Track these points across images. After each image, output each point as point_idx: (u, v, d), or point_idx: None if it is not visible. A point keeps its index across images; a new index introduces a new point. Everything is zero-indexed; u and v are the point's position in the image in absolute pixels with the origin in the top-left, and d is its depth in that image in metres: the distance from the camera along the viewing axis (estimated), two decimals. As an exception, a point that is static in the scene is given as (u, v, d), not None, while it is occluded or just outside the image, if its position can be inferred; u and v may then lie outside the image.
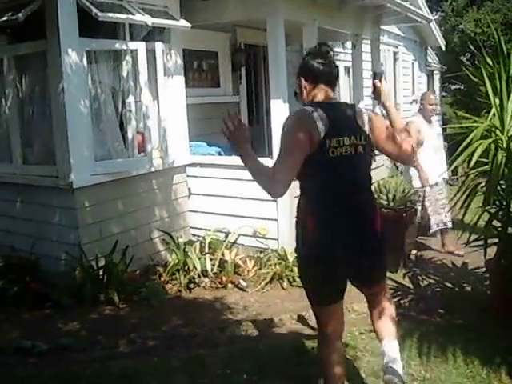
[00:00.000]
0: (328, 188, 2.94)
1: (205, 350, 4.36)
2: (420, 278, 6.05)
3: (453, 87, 22.39)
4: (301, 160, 2.84)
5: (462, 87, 17.48)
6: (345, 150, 2.90)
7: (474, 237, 5.02)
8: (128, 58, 5.93)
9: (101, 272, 5.41)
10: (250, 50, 8.73)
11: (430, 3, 19.14)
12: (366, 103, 8.54)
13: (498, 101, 4.77)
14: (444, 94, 22.39)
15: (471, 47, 5.01)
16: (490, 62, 4.91)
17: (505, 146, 4.57)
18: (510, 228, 4.90)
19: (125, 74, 5.95)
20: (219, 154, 7.02)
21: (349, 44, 9.22)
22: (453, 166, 4.79)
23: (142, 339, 4.54)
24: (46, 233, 5.78)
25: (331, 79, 3.07)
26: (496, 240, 5.02)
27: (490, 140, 4.58)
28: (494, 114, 4.84)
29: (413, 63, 15.75)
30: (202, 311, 5.17)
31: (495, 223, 4.96)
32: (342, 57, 11.00)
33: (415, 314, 5.10)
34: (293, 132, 2.89)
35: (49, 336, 4.61)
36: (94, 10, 5.34)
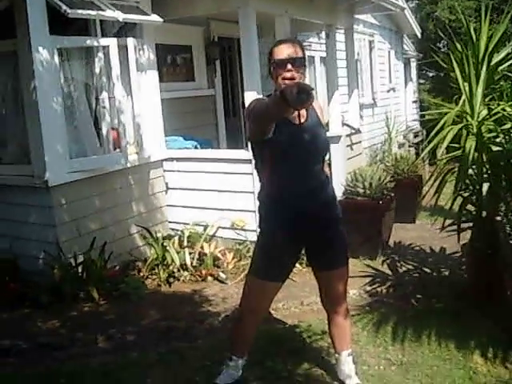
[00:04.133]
0: None
1: (184, 343, 4.40)
2: (398, 264, 6.11)
3: (430, 74, 22.52)
4: None
5: (441, 74, 17.60)
6: None
7: (449, 221, 5.09)
8: (100, 54, 5.90)
9: (80, 269, 5.39)
10: (224, 42, 8.70)
11: (405, -9, 19.21)
12: (340, 93, 8.57)
13: (467, 86, 4.81)
14: (422, 81, 22.48)
15: (446, 34, 5.04)
16: (459, 47, 4.96)
17: (475, 130, 4.61)
18: (483, 212, 4.96)
19: (97, 70, 5.92)
20: (195, 148, 7.01)
21: (324, 34, 9.22)
22: (425, 152, 4.83)
23: (121, 335, 4.55)
24: (23, 232, 5.73)
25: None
26: (471, 224, 5.09)
27: (460, 125, 4.62)
28: (464, 100, 4.89)
29: (389, 51, 15.79)
30: (182, 305, 5.17)
31: (470, 207, 5.03)
32: (318, 47, 11.03)
33: (393, 300, 5.17)
34: None
35: (28, 335, 4.60)
36: (64, 7, 5.30)
